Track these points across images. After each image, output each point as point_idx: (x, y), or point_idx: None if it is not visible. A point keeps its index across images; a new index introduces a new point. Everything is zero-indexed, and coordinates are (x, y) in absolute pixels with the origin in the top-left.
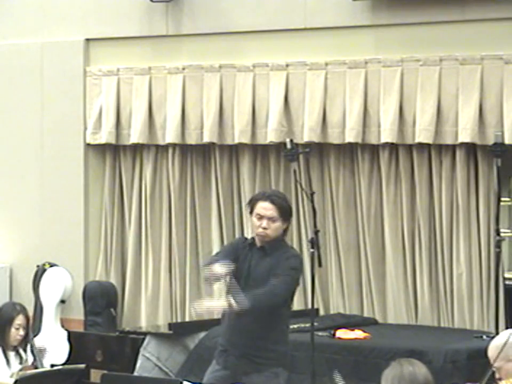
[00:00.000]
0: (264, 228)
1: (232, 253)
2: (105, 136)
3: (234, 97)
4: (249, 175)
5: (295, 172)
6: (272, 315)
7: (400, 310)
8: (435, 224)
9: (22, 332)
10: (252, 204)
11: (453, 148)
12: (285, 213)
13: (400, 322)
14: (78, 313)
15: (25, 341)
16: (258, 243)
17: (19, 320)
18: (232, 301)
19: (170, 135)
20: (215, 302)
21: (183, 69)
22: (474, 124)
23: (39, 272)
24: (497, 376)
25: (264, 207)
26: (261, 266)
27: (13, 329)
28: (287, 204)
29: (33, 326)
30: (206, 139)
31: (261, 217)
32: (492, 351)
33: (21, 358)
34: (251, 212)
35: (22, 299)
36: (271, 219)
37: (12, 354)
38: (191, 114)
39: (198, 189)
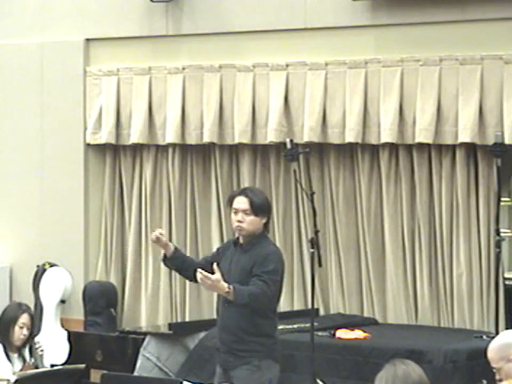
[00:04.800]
0: (239, 221)
1: (214, 258)
2: (105, 136)
3: (234, 97)
4: (249, 175)
5: (295, 171)
6: (257, 310)
7: (400, 310)
8: (435, 224)
9: (25, 332)
10: (230, 201)
11: (453, 148)
12: (258, 206)
13: (400, 322)
14: (78, 313)
15: (28, 341)
16: (240, 240)
17: (23, 319)
18: (232, 290)
19: (170, 135)
20: (222, 282)
21: (183, 69)
22: (474, 124)
23: (39, 272)
24: (497, 377)
25: (238, 201)
26: (240, 262)
27: (17, 328)
28: (263, 199)
29: (34, 326)
30: (206, 139)
31: (236, 211)
32: (492, 352)
33: (24, 360)
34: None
35: (22, 299)
36: (244, 212)
37: (15, 356)
38: (191, 114)
39: (198, 189)
